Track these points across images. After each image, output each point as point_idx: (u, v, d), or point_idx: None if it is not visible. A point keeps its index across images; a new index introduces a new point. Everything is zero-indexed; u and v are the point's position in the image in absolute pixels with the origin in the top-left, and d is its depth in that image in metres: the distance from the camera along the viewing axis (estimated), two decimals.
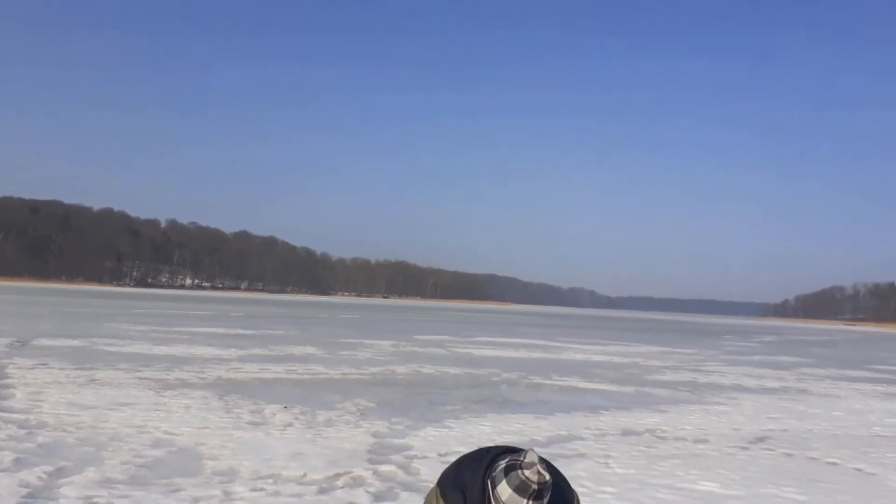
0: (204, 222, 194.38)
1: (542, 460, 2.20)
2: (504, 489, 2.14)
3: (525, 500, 2.11)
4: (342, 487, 6.26)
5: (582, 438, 9.23)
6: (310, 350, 20.52)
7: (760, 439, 9.76)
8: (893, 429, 11.41)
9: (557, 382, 15.78)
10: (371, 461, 7.30)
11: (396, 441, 8.41)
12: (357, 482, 6.47)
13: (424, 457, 7.60)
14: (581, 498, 6.44)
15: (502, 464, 2.21)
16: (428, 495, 2.51)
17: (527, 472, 2.13)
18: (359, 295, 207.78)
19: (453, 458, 7.73)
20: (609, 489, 6.60)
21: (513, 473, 2.15)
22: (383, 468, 7.04)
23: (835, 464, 8.23)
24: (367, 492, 6.14)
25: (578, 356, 24.75)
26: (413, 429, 9.20)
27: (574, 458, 8.02)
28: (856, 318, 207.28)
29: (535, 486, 2.11)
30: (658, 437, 9.60)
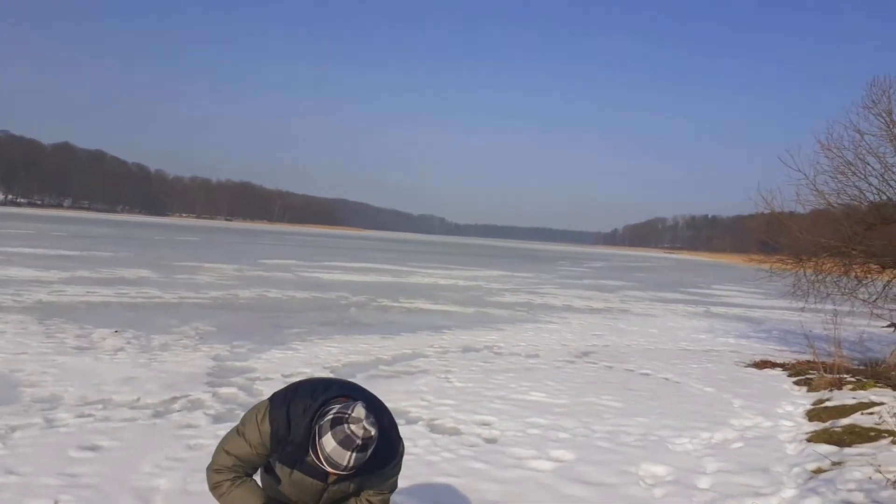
0: (18, 131, 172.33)
1: (370, 414, 2.22)
2: (328, 441, 2.16)
3: (348, 454, 2.15)
4: (179, 411, 6.05)
5: (425, 356, 9.58)
6: (143, 273, 19.24)
7: (585, 354, 10.70)
8: (697, 343, 12.96)
9: (405, 305, 16.15)
10: (210, 384, 7.10)
11: (238, 364, 8.23)
12: (195, 405, 6.28)
13: (268, 378, 7.51)
14: (422, 411, 6.68)
15: (331, 414, 2.21)
16: (256, 406, 2.47)
17: (353, 427, 2.15)
18: (199, 217, 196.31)
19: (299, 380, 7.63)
20: (448, 401, 6.94)
21: (339, 427, 2.16)
22: (224, 391, 6.87)
23: (647, 374, 9.22)
24: (206, 414, 5.99)
25: (426, 280, 25.41)
26: (256, 352, 9.03)
27: (417, 374, 8.33)
28: (674, 247, 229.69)
29: (359, 441, 2.15)
30: (495, 353, 10.20)
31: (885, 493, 3.94)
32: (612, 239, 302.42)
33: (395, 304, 16.07)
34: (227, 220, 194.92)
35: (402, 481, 4.54)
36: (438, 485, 4.57)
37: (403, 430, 5.75)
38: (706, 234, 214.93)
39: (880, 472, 3.68)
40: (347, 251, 49.51)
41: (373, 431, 2.18)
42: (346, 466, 2.18)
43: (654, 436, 5.99)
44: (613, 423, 6.41)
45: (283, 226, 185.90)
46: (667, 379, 8.89)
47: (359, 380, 7.68)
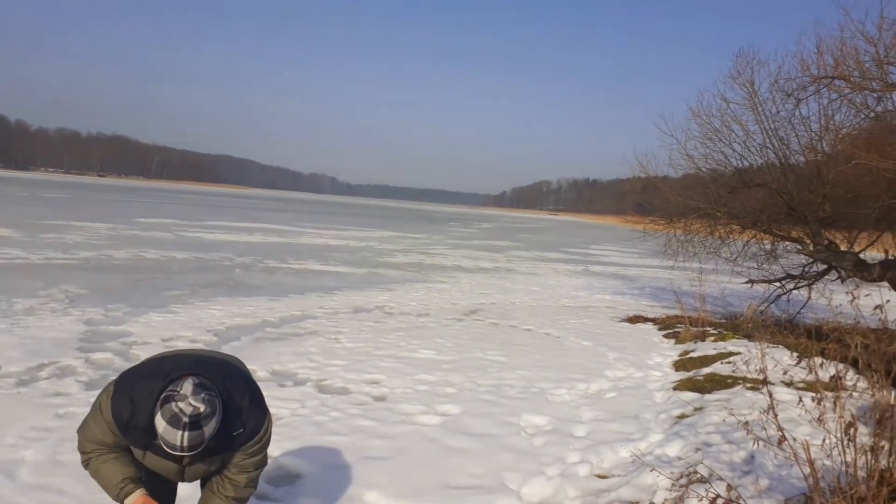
0: None
1: (200, 389, 2.11)
2: (160, 421, 2.07)
3: (179, 433, 2.05)
4: (47, 378, 5.67)
5: (315, 317, 9.47)
6: (2, 232, 17.63)
7: (473, 312, 10.99)
8: (576, 300, 13.63)
9: (293, 266, 15.82)
10: (82, 349, 6.69)
11: (113, 328, 7.79)
12: (65, 371, 5.91)
13: (146, 342, 7.17)
14: (311, 372, 6.61)
15: (163, 394, 2.11)
16: (103, 391, 2.35)
17: (180, 404, 2.06)
18: (67, 172, 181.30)
19: (180, 345, 7.34)
20: (338, 362, 6.93)
21: (167, 406, 2.06)
22: (97, 356, 6.50)
23: (530, 330, 9.61)
24: (78, 381, 5.65)
25: (316, 241, 24.98)
26: (133, 315, 8.57)
27: (306, 335, 8.23)
28: (558, 209, 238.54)
29: (185, 419, 2.05)
30: (386, 313, 10.26)
31: (738, 434, 4.35)
32: (500, 201, 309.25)
33: (284, 266, 15.72)
34: (99, 175, 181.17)
35: (289, 443, 4.55)
36: (326, 444, 4.59)
37: (290, 392, 5.77)
38: (587, 196, 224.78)
39: (733, 415, 4.07)
40: (232, 210, 47.64)
41: (202, 408, 2.07)
42: (183, 446, 2.06)
43: (535, 388, 6.29)
44: (498, 376, 6.66)
45: (160, 182, 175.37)
46: (548, 334, 9.31)
47: (244, 343, 7.57)
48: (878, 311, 3.04)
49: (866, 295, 3.66)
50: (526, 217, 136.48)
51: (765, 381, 2.95)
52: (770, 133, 10.51)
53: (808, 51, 9.27)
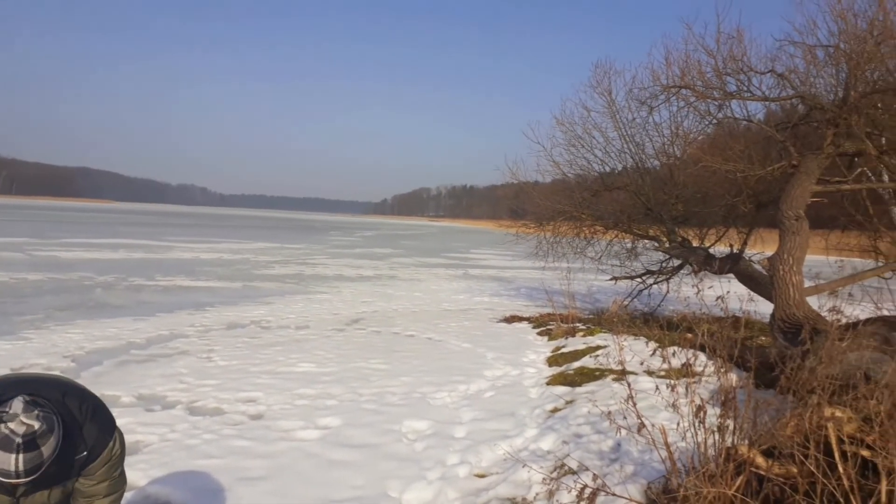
0: None
1: (32, 407, 1.92)
2: None
3: (13, 456, 1.85)
4: None
5: (185, 336, 9.01)
6: None
7: (355, 321, 10.89)
8: (456, 304, 13.86)
9: (161, 283, 14.95)
10: None
11: None
12: None
13: None
14: (181, 395, 6.28)
15: None
16: None
17: (10, 425, 1.87)
18: None
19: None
20: (211, 382, 6.63)
21: None
22: None
23: (412, 336, 9.67)
24: None
25: (186, 255, 23.73)
26: None
27: (175, 356, 7.81)
28: (438, 215, 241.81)
29: (18, 440, 1.86)
30: (263, 328, 9.94)
31: (605, 424, 4.60)
32: (382, 208, 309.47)
33: (150, 283, 14.81)
34: None
35: (158, 470, 4.30)
36: (199, 469, 4.37)
37: (159, 417, 5.46)
38: (465, 202, 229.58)
39: (597, 407, 4.30)
40: (92, 226, 44.26)
41: (36, 425, 1.89)
42: (19, 471, 1.86)
43: (416, 393, 6.33)
44: (380, 385, 6.64)
45: (10, 198, 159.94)
46: (430, 339, 9.41)
47: (107, 367, 7.08)
48: (719, 301, 3.33)
49: (709, 287, 4.00)
50: (408, 224, 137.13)
51: (624, 372, 3.14)
52: (627, 139, 11.25)
53: (657, 62, 10.03)
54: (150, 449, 4.71)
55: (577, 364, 7.31)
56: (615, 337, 7.52)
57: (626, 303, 11.50)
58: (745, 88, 8.39)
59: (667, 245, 10.71)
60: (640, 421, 3.03)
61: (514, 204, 15.91)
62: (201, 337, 9.01)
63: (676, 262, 11.12)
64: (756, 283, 8.42)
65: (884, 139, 7.60)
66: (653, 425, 3.20)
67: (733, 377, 3.29)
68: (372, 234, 59.02)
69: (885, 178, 7.97)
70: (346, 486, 4.17)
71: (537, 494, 3.81)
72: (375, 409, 5.83)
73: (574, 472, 3.67)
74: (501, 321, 11.30)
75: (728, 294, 3.44)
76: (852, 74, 7.29)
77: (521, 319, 11.37)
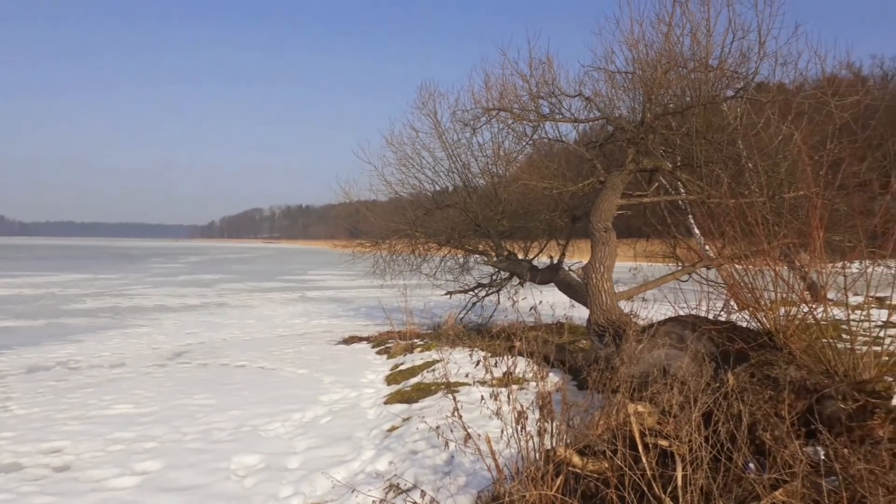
0: None
1: None
2: None
3: None
4: None
5: None
6: None
7: (178, 354, 10.17)
8: (292, 328, 13.45)
9: None
10: None
11: None
12: None
13: None
14: None
15: None
16: None
17: None
18: None
19: None
20: (7, 434, 5.87)
21: None
22: None
23: (243, 366, 9.20)
24: None
25: None
26: None
27: None
28: (272, 237, 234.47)
29: None
30: (71, 369, 8.96)
31: (439, 441, 4.67)
32: (209, 231, 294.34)
33: None
34: None
35: None
36: None
37: None
38: (302, 222, 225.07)
39: (425, 422, 4.34)
40: None
41: None
42: None
43: (247, 426, 6.01)
44: (206, 421, 6.23)
45: None
46: (262, 367, 9.02)
47: None
48: (532, 310, 3.52)
49: (523, 299, 4.21)
50: (240, 247, 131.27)
51: (448, 385, 3.20)
52: (454, 158, 11.65)
53: (478, 85, 10.53)
54: None
55: (414, 380, 7.36)
56: (443, 351, 7.70)
57: (461, 316, 11.82)
58: (556, 111, 9.04)
59: (495, 259, 11.19)
60: (466, 433, 3.09)
61: (349, 223, 15.83)
62: None
63: (505, 275, 11.64)
64: (574, 290, 9.03)
65: (678, 156, 8.54)
66: (479, 435, 3.28)
67: (551, 382, 3.48)
68: (198, 260, 55.71)
69: (682, 190, 8.92)
70: None
71: None
72: (201, 447, 5.45)
73: (405, 491, 3.66)
74: (340, 343, 11.13)
75: (541, 304, 3.64)
76: (647, 98, 8.12)
77: (360, 340, 11.27)
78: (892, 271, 4.18)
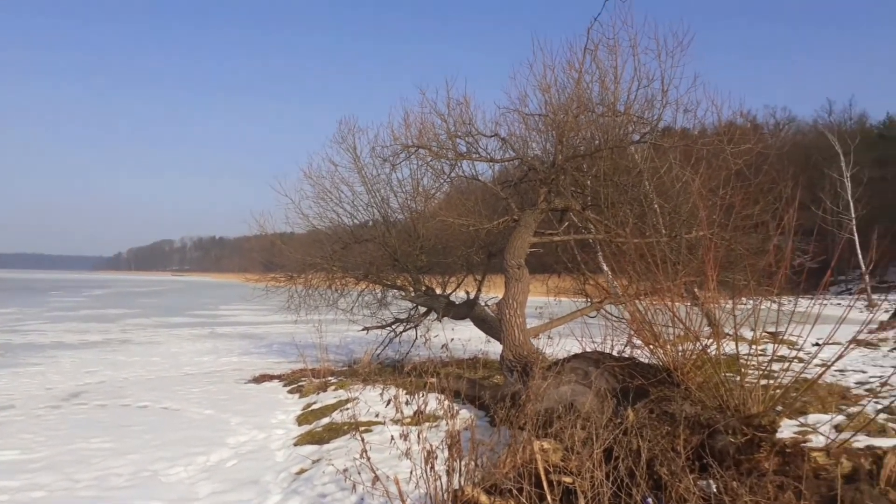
0: None
1: None
2: None
3: None
4: None
5: None
6: None
7: (75, 395, 9.55)
8: (200, 367, 12.92)
9: None
10: None
11: None
12: None
13: None
14: None
15: None
16: None
17: None
18: None
19: None
20: None
21: None
22: None
23: (146, 406, 8.73)
24: None
25: None
26: None
27: None
28: (183, 269, 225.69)
29: None
30: None
31: (347, 483, 4.58)
32: (115, 263, 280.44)
33: None
34: None
35: None
36: None
37: None
38: (214, 254, 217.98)
39: (332, 465, 4.27)
40: None
41: None
42: None
43: (147, 471, 5.69)
44: (102, 466, 5.85)
45: None
46: (166, 408, 8.58)
47: None
48: (443, 348, 3.54)
49: (436, 336, 4.23)
50: (147, 280, 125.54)
51: (357, 426, 3.15)
52: (374, 193, 11.67)
53: (398, 122, 10.64)
54: None
55: (326, 420, 7.20)
56: (355, 390, 7.60)
57: (378, 352, 11.71)
58: (473, 150, 9.24)
59: (413, 294, 11.20)
60: (374, 475, 3.06)
61: (264, 256, 15.47)
62: None
63: (423, 310, 11.66)
64: (489, 326, 9.16)
65: (588, 197, 8.88)
66: (388, 476, 3.25)
67: (461, 419, 3.49)
68: (103, 293, 52.87)
69: (592, 229, 9.26)
70: None
71: None
72: (95, 495, 5.11)
73: None
74: (250, 381, 10.76)
75: (454, 341, 3.67)
76: (559, 140, 8.45)
77: (271, 378, 10.93)
78: (781, 307, 4.48)
